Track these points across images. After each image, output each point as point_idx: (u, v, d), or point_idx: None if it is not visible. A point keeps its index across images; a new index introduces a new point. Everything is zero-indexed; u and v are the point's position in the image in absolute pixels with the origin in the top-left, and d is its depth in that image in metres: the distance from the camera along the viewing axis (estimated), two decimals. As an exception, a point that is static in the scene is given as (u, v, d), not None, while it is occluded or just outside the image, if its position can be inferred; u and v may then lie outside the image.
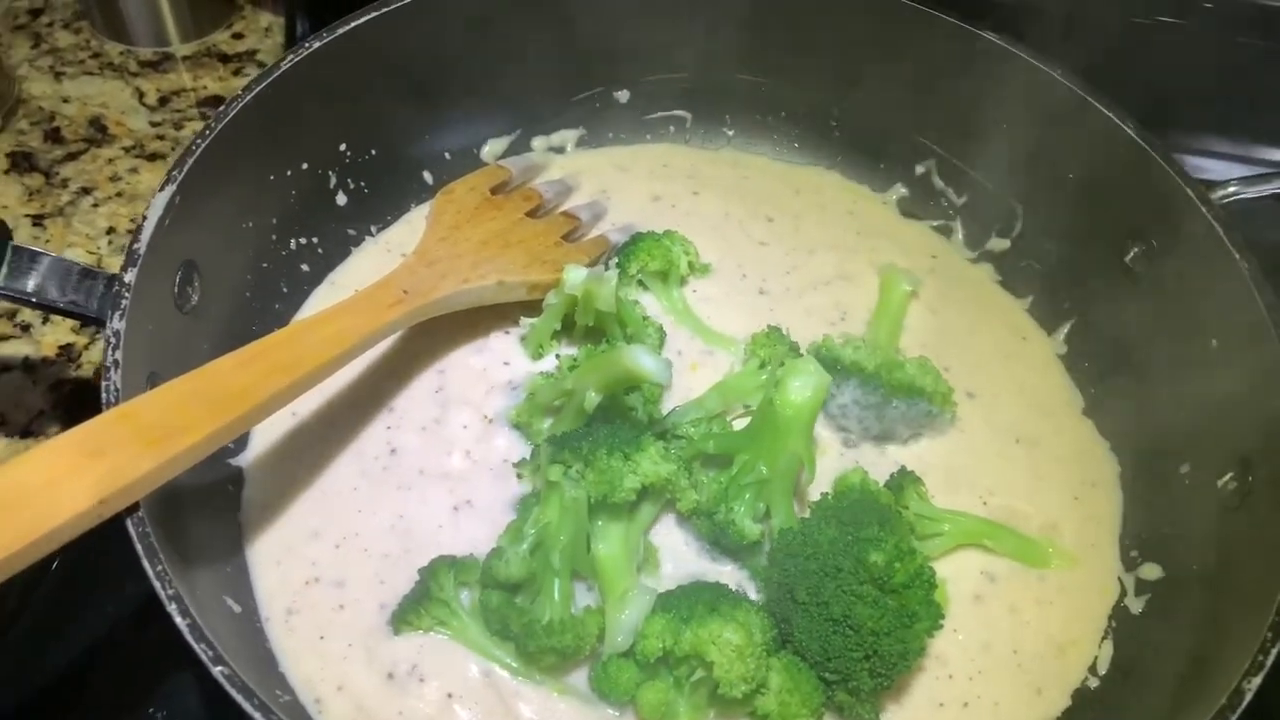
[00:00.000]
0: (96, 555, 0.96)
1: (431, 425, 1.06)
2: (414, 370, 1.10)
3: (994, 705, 0.93)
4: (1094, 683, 0.95)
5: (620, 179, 1.31)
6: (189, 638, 0.73)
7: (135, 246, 0.88)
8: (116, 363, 0.83)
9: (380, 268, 1.09)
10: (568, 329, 1.11)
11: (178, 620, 0.73)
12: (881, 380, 1.02)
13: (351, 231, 1.21)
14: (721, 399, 1.04)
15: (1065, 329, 1.18)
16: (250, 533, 0.98)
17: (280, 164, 1.11)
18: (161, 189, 0.92)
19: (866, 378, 1.02)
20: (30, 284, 0.88)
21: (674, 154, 1.35)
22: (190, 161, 0.95)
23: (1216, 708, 0.75)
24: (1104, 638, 0.98)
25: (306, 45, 1.07)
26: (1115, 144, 1.09)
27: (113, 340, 0.84)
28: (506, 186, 1.21)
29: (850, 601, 0.84)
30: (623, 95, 1.33)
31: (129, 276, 0.87)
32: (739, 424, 1.02)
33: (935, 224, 1.30)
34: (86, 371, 1.18)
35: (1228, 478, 0.95)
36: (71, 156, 1.39)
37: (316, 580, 0.95)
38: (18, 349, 1.19)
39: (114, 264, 1.23)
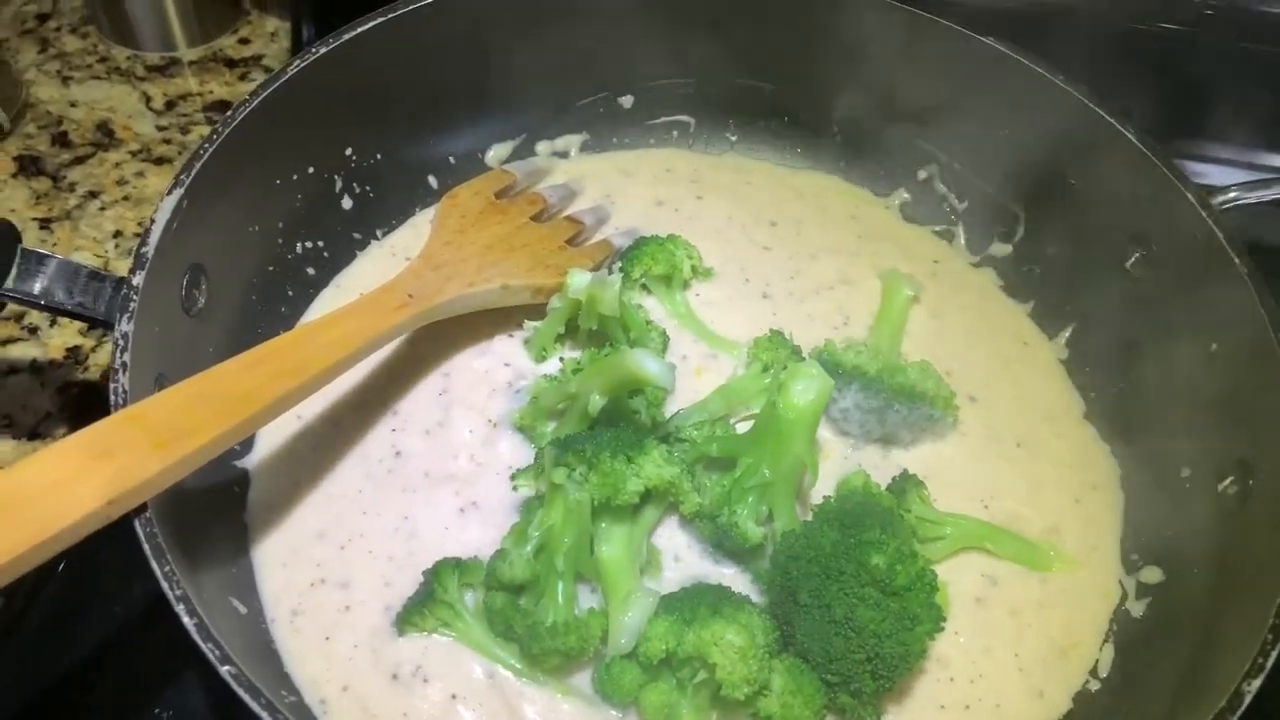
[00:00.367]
0: (103, 557, 0.97)
1: (436, 428, 1.06)
2: (418, 373, 1.10)
3: (995, 707, 0.94)
4: (1095, 685, 0.96)
5: (624, 184, 1.31)
6: (196, 637, 0.73)
7: (143, 250, 0.89)
8: (125, 365, 0.84)
9: (385, 272, 1.10)
10: (571, 333, 1.12)
11: (185, 620, 0.74)
12: (883, 384, 1.03)
13: (357, 235, 1.22)
14: (724, 402, 1.05)
15: (1067, 333, 1.19)
16: (256, 534, 0.99)
17: (286, 168, 1.12)
18: (169, 193, 0.93)
19: (868, 382, 1.03)
20: (39, 286, 0.89)
21: (677, 159, 1.36)
22: (198, 166, 0.96)
23: (1216, 710, 0.76)
24: (1105, 640, 0.99)
25: (312, 51, 1.07)
26: (1116, 149, 1.09)
27: (121, 342, 0.85)
28: (511, 191, 1.22)
29: (852, 604, 0.84)
30: (626, 100, 1.33)
31: (137, 279, 0.87)
32: (742, 427, 1.02)
33: (937, 229, 1.30)
34: (94, 374, 1.19)
35: (1228, 481, 0.96)
36: (79, 160, 1.40)
37: (322, 581, 0.96)
38: (26, 351, 1.20)
39: (121, 267, 1.24)
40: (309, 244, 1.16)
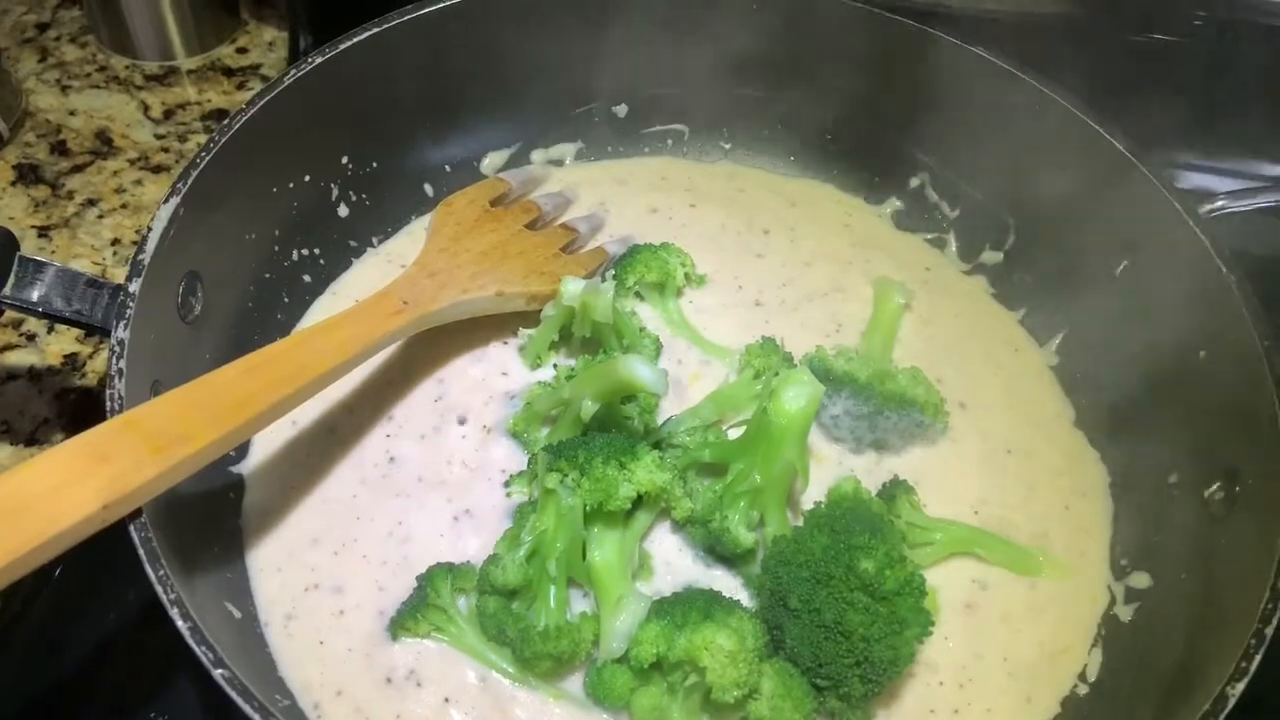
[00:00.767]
0: (98, 562, 0.98)
1: (430, 434, 1.07)
2: (413, 379, 1.11)
3: (985, 712, 0.94)
4: (1083, 689, 0.96)
5: (618, 192, 1.32)
6: (190, 641, 0.74)
7: (140, 257, 0.90)
8: (121, 371, 0.84)
9: (381, 278, 1.11)
10: (565, 339, 1.13)
11: (179, 624, 0.75)
12: (874, 391, 1.03)
13: (353, 243, 1.23)
14: (716, 409, 1.05)
15: (1057, 341, 1.20)
16: (250, 539, 0.99)
17: (283, 176, 1.12)
18: (166, 201, 0.94)
19: (859, 388, 1.04)
20: (37, 294, 0.90)
21: (671, 167, 1.37)
22: (194, 174, 0.96)
23: (1201, 712, 0.76)
24: (1094, 645, 0.99)
25: (309, 60, 1.08)
26: (1106, 158, 1.10)
27: (117, 349, 0.85)
28: (506, 199, 1.22)
29: (842, 608, 0.85)
30: (621, 109, 1.34)
31: (134, 287, 0.88)
32: (734, 433, 1.03)
33: (929, 237, 1.31)
34: (90, 380, 1.20)
35: (1214, 488, 0.96)
36: (77, 169, 1.41)
37: (316, 586, 0.97)
38: (23, 358, 1.21)
39: (118, 274, 1.25)
40: (305, 251, 1.17)
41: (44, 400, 1.17)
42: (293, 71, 1.07)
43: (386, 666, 0.92)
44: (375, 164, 1.22)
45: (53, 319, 0.92)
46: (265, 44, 1.62)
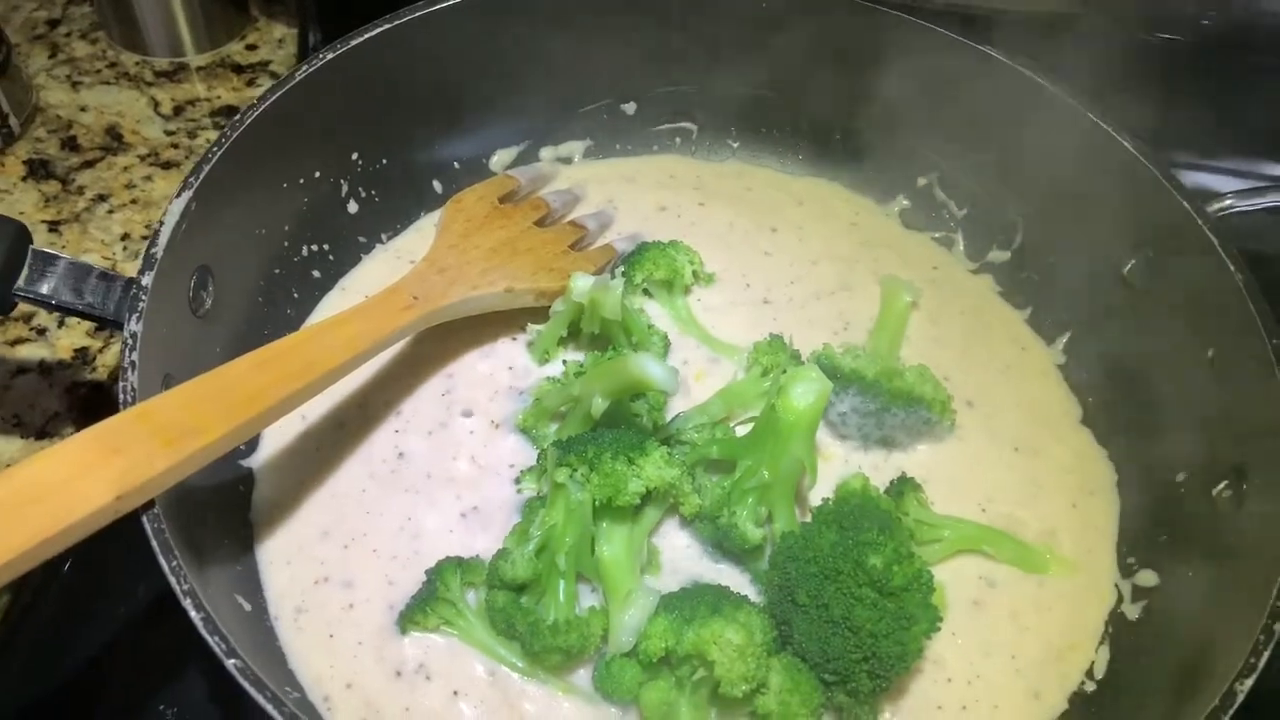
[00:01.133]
0: (109, 555, 0.98)
1: (439, 429, 1.08)
2: (422, 375, 1.12)
3: (992, 708, 0.95)
4: (1091, 686, 0.97)
5: (627, 189, 1.33)
6: (203, 631, 0.74)
7: (153, 251, 0.90)
8: (133, 364, 0.85)
9: (390, 274, 1.11)
10: (574, 336, 1.13)
11: (192, 614, 0.75)
12: (881, 388, 1.04)
13: (362, 239, 1.23)
14: (724, 405, 1.06)
15: (1064, 339, 1.20)
16: (261, 533, 1.00)
17: (293, 172, 1.13)
18: (178, 195, 0.94)
19: (866, 385, 1.04)
20: (48, 286, 0.90)
21: (680, 165, 1.37)
22: (206, 169, 0.97)
23: (1209, 709, 0.77)
24: (1101, 642, 0.99)
25: (319, 57, 1.09)
26: (1114, 158, 1.10)
27: (130, 342, 0.86)
28: (515, 196, 1.23)
29: (849, 604, 0.85)
30: (630, 107, 1.35)
31: (146, 280, 0.88)
32: (742, 430, 1.03)
33: (937, 235, 1.31)
34: (101, 374, 1.20)
35: (1222, 486, 0.97)
36: (88, 164, 1.41)
37: (326, 580, 0.97)
38: (34, 352, 1.21)
39: (128, 269, 1.25)
40: (315, 247, 1.17)
41: (54, 394, 1.18)
42: (303, 68, 1.07)
43: (396, 660, 0.93)
44: (385, 160, 1.22)
45: (65, 312, 0.92)
46: (275, 41, 1.62)
